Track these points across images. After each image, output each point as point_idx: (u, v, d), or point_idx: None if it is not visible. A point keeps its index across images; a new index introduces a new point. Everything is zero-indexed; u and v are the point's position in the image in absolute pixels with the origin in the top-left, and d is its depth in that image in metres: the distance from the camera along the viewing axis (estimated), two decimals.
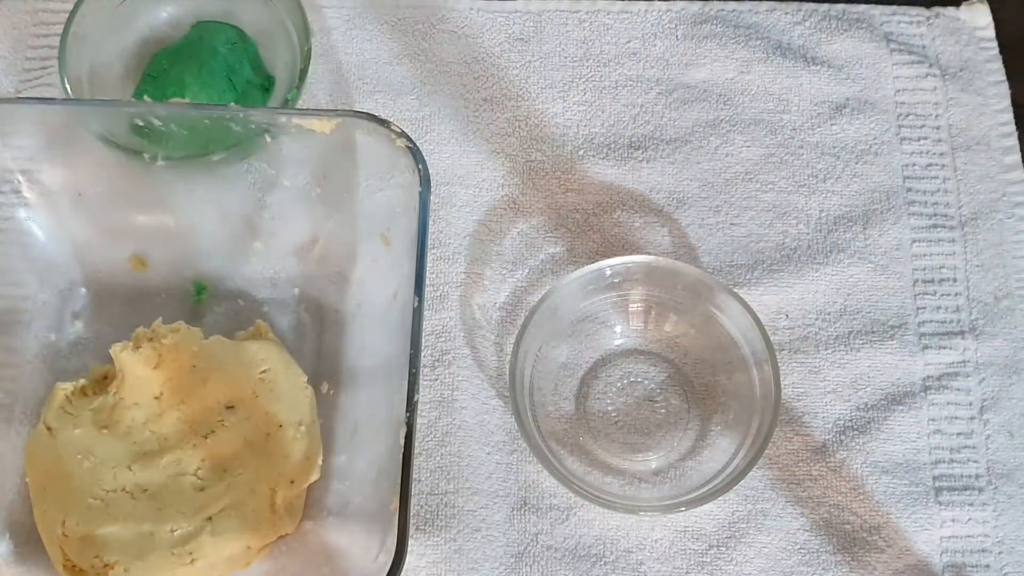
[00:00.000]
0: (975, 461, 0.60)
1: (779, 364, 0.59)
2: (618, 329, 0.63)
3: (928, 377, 0.62)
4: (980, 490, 0.60)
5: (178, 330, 0.58)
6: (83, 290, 0.63)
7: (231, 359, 0.58)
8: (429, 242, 0.56)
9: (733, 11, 0.71)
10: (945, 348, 0.63)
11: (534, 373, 0.60)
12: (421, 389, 0.54)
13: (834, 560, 0.58)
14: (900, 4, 0.72)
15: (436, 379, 0.62)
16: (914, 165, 0.68)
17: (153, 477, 0.56)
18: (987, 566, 0.58)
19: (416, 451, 0.59)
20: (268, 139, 0.59)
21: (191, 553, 0.54)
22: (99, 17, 0.66)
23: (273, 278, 0.63)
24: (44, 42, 0.69)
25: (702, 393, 0.62)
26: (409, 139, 0.56)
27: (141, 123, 0.59)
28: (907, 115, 0.69)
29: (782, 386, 0.59)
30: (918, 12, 0.72)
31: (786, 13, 0.72)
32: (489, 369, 0.62)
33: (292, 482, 0.56)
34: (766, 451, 0.57)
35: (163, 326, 0.58)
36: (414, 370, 0.52)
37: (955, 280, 0.64)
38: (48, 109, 0.59)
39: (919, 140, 0.68)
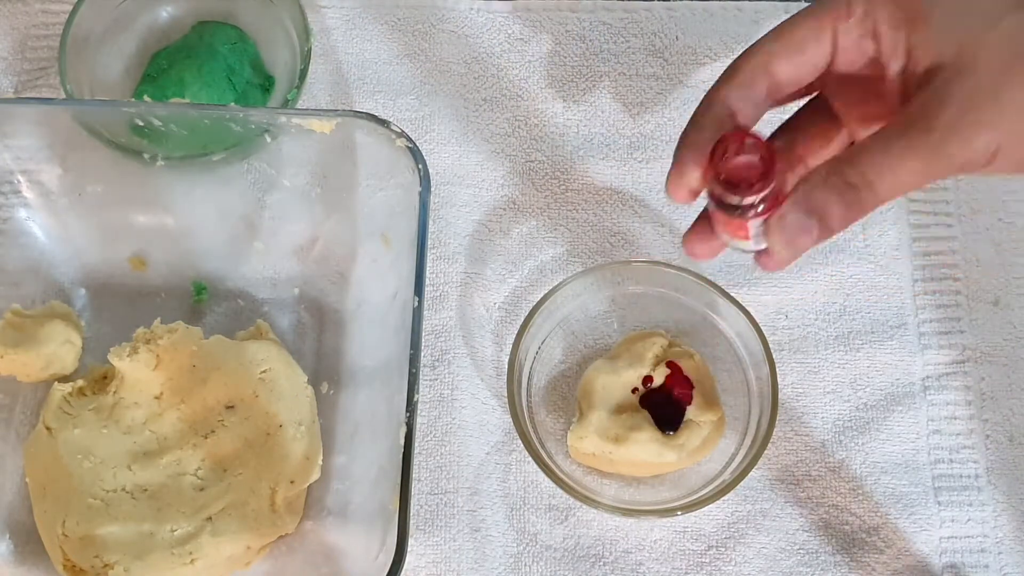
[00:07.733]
0: (974, 461, 0.60)
1: (779, 364, 0.59)
2: (616, 331, 0.63)
3: (927, 377, 0.62)
4: (979, 490, 0.60)
5: (175, 330, 0.58)
6: (83, 290, 0.63)
7: (231, 359, 0.58)
8: (429, 242, 0.56)
9: (733, 11, 0.71)
10: (945, 348, 0.63)
11: (532, 374, 0.60)
12: (421, 389, 0.54)
13: (833, 560, 0.58)
14: None
15: (436, 379, 0.62)
16: None
17: (153, 477, 0.56)
18: (986, 566, 0.58)
19: (416, 451, 0.59)
20: (268, 139, 0.59)
21: (191, 553, 0.54)
22: (99, 17, 0.66)
23: (273, 278, 0.63)
24: (44, 42, 0.69)
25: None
26: (409, 139, 0.56)
27: (141, 123, 0.59)
28: None
29: (782, 386, 0.59)
30: None
31: (787, 13, 0.71)
32: (489, 369, 0.62)
33: (292, 482, 0.56)
34: (765, 451, 0.57)
35: (161, 327, 0.58)
36: (414, 370, 0.52)
37: (955, 280, 0.64)
38: (48, 109, 0.60)
39: None
